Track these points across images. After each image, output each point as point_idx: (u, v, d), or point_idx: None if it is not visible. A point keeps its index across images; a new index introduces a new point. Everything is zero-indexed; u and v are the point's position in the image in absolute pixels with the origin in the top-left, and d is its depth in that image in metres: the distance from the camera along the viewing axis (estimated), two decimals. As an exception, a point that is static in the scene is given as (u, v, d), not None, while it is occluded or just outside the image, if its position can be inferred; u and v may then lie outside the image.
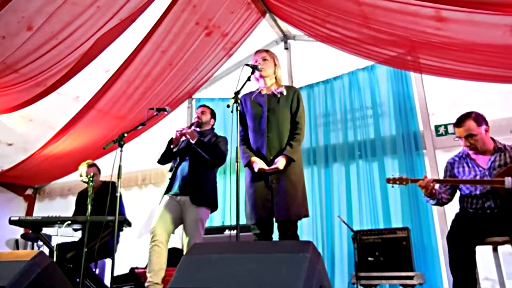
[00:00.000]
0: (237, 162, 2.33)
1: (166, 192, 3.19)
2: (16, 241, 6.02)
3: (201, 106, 3.57)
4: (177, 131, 3.17)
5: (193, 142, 3.14)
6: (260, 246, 1.49)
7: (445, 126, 4.21)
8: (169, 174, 3.26)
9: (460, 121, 2.71)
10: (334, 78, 4.95)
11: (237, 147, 2.36)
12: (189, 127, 3.29)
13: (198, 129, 3.42)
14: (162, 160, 3.31)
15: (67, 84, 4.28)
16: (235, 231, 4.03)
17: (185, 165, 3.20)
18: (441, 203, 2.74)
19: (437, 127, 4.25)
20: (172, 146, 3.26)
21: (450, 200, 2.73)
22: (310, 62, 5.21)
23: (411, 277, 3.43)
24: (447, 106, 4.23)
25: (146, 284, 2.96)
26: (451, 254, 2.37)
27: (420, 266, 3.64)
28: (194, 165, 3.17)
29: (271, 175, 2.55)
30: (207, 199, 3.16)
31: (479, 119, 2.68)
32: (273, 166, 2.53)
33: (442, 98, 4.28)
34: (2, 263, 1.93)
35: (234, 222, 2.34)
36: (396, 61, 4.24)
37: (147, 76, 4.63)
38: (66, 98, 4.71)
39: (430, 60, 3.95)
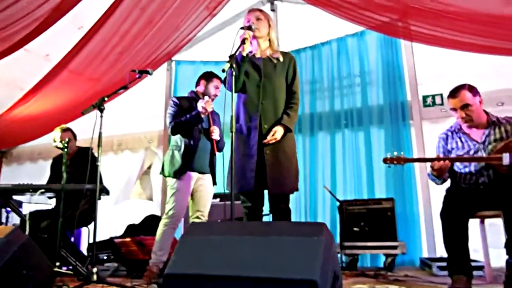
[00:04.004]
0: (231, 132, 2.17)
1: (183, 169, 2.95)
2: (-17, 207, 5.71)
3: (218, 78, 3.18)
4: (203, 107, 2.88)
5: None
6: (268, 228, 1.37)
7: (433, 96, 4.17)
8: (182, 149, 2.98)
9: (455, 92, 2.63)
10: (322, 43, 4.78)
11: (231, 116, 2.19)
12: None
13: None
14: (178, 132, 3.02)
15: (36, 41, 3.93)
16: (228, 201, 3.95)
17: (204, 144, 3.04)
18: (445, 180, 2.69)
19: (424, 98, 4.21)
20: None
21: (448, 177, 2.69)
22: (298, 26, 4.98)
23: (394, 247, 3.47)
24: (435, 77, 4.18)
25: (153, 261, 2.88)
26: (445, 229, 2.36)
27: (402, 236, 3.68)
28: (211, 143, 3.06)
29: (265, 146, 2.41)
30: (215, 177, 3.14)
31: (474, 90, 2.62)
32: (272, 137, 2.39)
33: (431, 68, 4.22)
34: (-27, 240, 1.74)
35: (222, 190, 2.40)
36: (386, 28, 4.10)
37: (125, 35, 4.30)
38: (35, 56, 4.36)
39: (421, 28, 3.83)
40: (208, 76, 3.18)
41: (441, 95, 4.10)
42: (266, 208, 2.56)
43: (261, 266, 1.21)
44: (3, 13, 3.42)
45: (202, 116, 2.92)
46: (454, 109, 2.65)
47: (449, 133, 2.76)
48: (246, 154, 2.44)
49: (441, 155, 2.72)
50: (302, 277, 1.14)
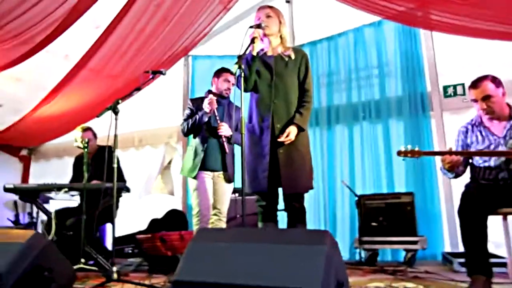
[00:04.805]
0: (241, 134, 2.18)
1: (197, 169, 3.05)
2: (15, 202, 5.97)
3: (227, 72, 3.22)
4: (209, 104, 2.96)
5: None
6: (273, 235, 1.38)
7: (454, 86, 4.03)
8: (201, 146, 3.07)
9: (476, 82, 2.53)
10: (339, 34, 4.68)
11: (241, 117, 2.20)
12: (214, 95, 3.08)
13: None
14: (189, 133, 3.16)
15: (56, 42, 4.01)
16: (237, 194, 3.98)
17: (214, 142, 3.09)
18: (459, 175, 2.62)
19: (445, 88, 4.08)
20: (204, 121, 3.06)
21: (464, 171, 2.61)
22: (313, 17, 4.90)
23: (414, 242, 3.42)
24: (457, 66, 4.03)
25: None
26: (463, 227, 2.30)
27: (423, 231, 3.62)
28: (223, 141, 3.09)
29: (278, 145, 2.41)
30: (232, 177, 3.18)
31: (497, 81, 2.51)
32: (286, 138, 2.38)
33: (452, 57, 4.07)
34: (-4, 245, 1.83)
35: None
36: (405, 17, 3.97)
37: (141, 32, 4.34)
38: (55, 57, 4.47)
39: (441, 16, 3.70)
40: (217, 73, 3.24)
41: (463, 84, 3.96)
42: (281, 204, 2.58)
43: (264, 275, 1.22)
44: (22, 17, 3.52)
45: (208, 115, 2.97)
46: (475, 100, 2.55)
47: (469, 127, 2.67)
48: (258, 154, 2.44)
49: (460, 149, 2.65)
50: (303, 287, 1.15)
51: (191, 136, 3.17)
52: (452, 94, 4.04)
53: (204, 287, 1.31)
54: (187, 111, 3.19)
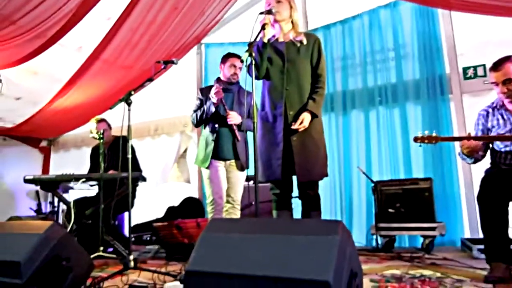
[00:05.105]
0: (253, 122, 2.15)
1: (209, 158, 3.06)
2: (37, 192, 6.13)
3: (233, 57, 3.17)
4: (215, 94, 2.94)
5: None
6: (285, 226, 1.37)
7: (475, 68, 3.90)
8: (211, 136, 3.07)
9: (498, 65, 2.43)
10: (353, 17, 4.55)
11: (253, 105, 2.17)
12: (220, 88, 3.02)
13: (222, 86, 3.10)
14: (201, 124, 3.16)
15: (69, 35, 4.03)
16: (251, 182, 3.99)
17: (224, 131, 3.08)
18: (478, 160, 2.55)
19: (465, 69, 3.95)
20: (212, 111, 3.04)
21: (484, 156, 2.53)
22: (327, 0, 4.79)
23: (433, 228, 3.36)
24: (477, 46, 3.89)
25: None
26: (482, 214, 2.24)
27: (441, 217, 3.55)
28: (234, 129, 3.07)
29: (291, 133, 2.38)
30: (245, 164, 3.12)
31: None
32: (300, 125, 2.34)
33: (471, 37, 3.93)
34: (15, 236, 1.87)
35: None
36: (423, -4, 3.85)
37: (152, 23, 4.32)
38: (69, 50, 4.51)
39: (461, -5, 3.56)
40: (223, 59, 3.22)
41: (484, 66, 3.82)
42: (295, 191, 2.56)
43: (276, 266, 1.21)
44: (34, 12, 3.54)
45: (215, 105, 2.96)
46: (496, 83, 2.46)
47: (490, 110, 2.58)
48: (272, 142, 2.42)
49: (480, 133, 2.57)
50: (315, 278, 1.13)
51: (203, 126, 3.18)
52: (472, 76, 3.91)
53: (216, 277, 1.31)
54: (197, 102, 3.20)
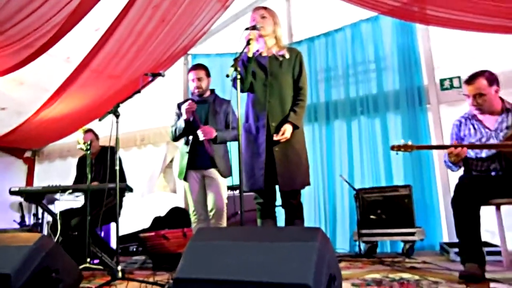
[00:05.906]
0: (238, 133, 2.24)
1: (185, 170, 3.08)
2: (20, 204, 6.06)
3: (193, 70, 3.18)
4: (187, 109, 2.94)
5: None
6: (268, 234, 1.45)
7: (451, 79, 4.09)
8: (185, 148, 3.09)
9: (471, 79, 2.59)
10: (336, 30, 4.72)
11: (238, 118, 2.26)
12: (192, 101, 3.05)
13: (197, 99, 3.16)
14: (178, 138, 3.17)
15: (57, 45, 4.07)
16: (237, 191, 4.06)
17: (200, 142, 3.06)
18: (460, 167, 2.69)
19: (442, 81, 4.13)
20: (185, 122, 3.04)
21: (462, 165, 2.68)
22: (311, 13, 4.94)
23: (412, 233, 3.49)
24: (453, 59, 4.08)
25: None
26: (457, 217, 2.37)
27: (420, 222, 3.68)
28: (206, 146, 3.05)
29: (273, 143, 2.47)
30: (226, 170, 3.11)
31: (492, 78, 2.56)
32: (282, 136, 2.44)
33: (448, 51, 4.13)
34: (4, 248, 1.90)
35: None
36: (402, 12, 4.01)
37: (140, 33, 4.39)
38: (57, 60, 4.54)
39: (437, 11, 3.74)
40: (188, 74, 3.24)
41: (459, 77, 4.01)
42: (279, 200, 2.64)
43: (260, 271, 1.30)
44: (24, 22, 3.58)
45: (185, 120, 2.98)
46: (468, 96, 2.62)
47: (463, 120, 2.74)
48: (255, 152, 2.51)
49: (453, 143, 2.71)
50: (297, 281, 1.22)
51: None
52: (449, 87, 4.09)
53: (203, 283, 1.39)
54: (175, 117, 3.19)
